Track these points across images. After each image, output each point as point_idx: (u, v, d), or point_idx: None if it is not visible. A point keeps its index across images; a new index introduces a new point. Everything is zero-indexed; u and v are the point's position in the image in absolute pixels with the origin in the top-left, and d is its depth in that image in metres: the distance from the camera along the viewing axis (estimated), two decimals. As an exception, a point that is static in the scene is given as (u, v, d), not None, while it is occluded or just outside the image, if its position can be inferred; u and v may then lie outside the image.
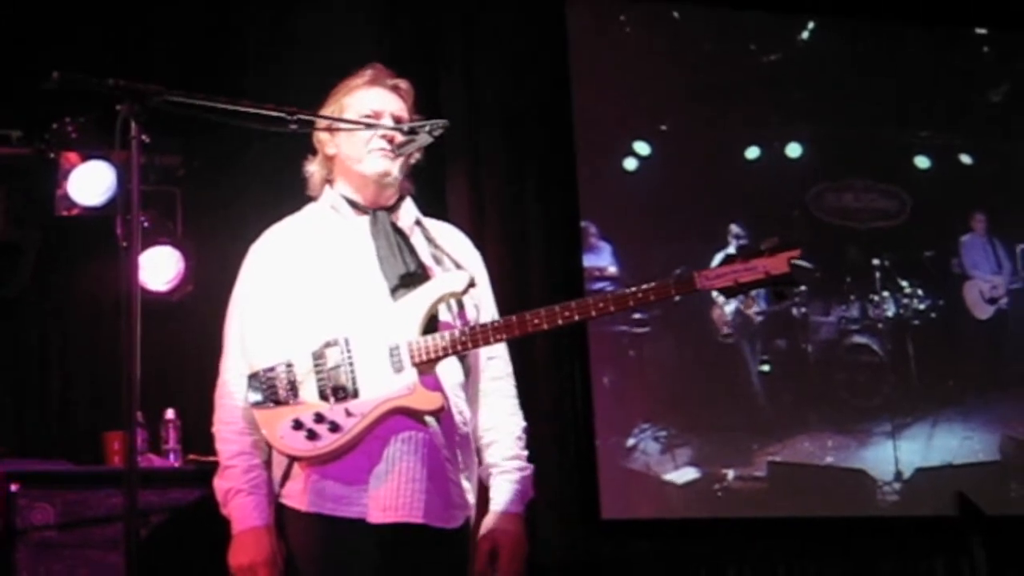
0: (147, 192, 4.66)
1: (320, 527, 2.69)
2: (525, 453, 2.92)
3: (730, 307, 5.87)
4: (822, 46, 6.38)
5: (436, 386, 2.72)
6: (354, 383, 2.67)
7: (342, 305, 2.75)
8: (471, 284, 2.76)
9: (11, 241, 4.73)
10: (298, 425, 2.65)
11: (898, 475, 5.89)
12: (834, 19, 6.37)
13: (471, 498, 2.83)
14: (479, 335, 2.70)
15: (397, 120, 2.88)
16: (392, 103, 2.91)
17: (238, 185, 5.05)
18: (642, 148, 5.95)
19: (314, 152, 2.97)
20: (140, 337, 2.34)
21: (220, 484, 2.79)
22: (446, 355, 2.70)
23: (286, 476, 2.75)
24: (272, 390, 2.67)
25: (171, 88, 2.47)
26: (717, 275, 2.70)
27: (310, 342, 2.70)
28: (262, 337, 2.75)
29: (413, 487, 2.64)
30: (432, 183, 4.98)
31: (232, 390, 2.79)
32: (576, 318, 2.68)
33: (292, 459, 2.72)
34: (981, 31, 6.62)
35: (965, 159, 6.44)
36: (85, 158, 4.64)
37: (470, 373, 2.86)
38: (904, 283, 6.17)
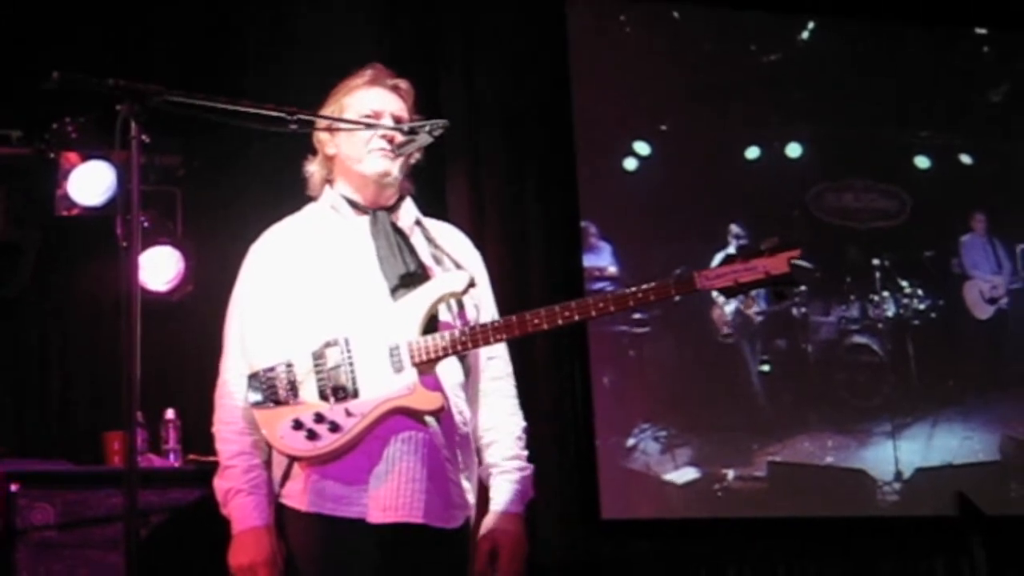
0: (147, 192, 4.66)
1: (320, 527, 2.69)
2: (525, 453, 2.92)
3: (730, 307, 5.86)
4: (822, 46, 6.38)
5: (436, 386, 2.72)
6: (354, 383, 2.66)
7: (342, 305, 2.75)
8: (471, 284, 2.76)
9: (11, 241, 4.73)
10: (298, 425, 2.64)
11: (898, 475, 5.89)
12: (834, 19, 6.37)
13: (471, 498, 2.83)
14: (479, 335, 2.70)
15: (397, 120, 2.88)
16: (392, 103, 2.91)
17: (238, 185, 5.05)
18: (642, 148, 5.95)
19: (314, 152, 2.97)
20: (140, 337, 2.34)
21: (220, 484, 2.79)
22: (446, 355, 2.70)
23: (286, 476, 2.75)
24: (272, 390, 2.67)
25: (171, 88, 2.46)
26: (717, 275, 2.69)
27: (310, 342, 2.69)
28: (262, 337, 2.75)
29: (413, 487, 2.64)
30: (432, 183, 4.98)
31: (232, 390, 2.79)
32: (576, 318, 2.68)
33: (292, 459, 2.71)
34: (981, 31, 6.61)
35: (965, 159, 6.43)
36: (85, 158, 4.64)
37: (470, 373, 2.86)
38: (904, 283, 6.17)
